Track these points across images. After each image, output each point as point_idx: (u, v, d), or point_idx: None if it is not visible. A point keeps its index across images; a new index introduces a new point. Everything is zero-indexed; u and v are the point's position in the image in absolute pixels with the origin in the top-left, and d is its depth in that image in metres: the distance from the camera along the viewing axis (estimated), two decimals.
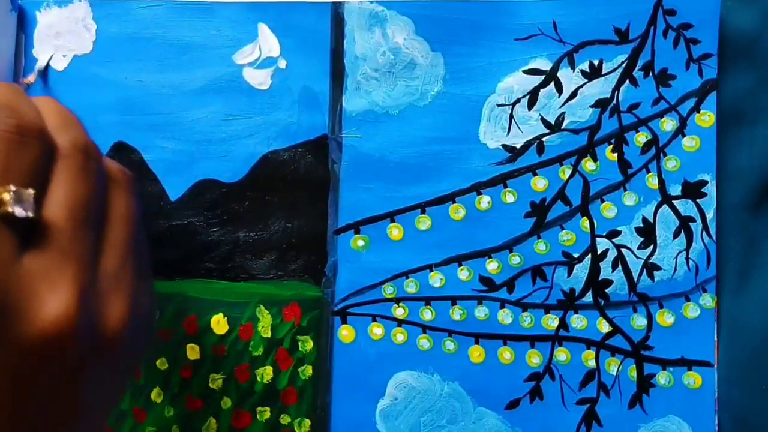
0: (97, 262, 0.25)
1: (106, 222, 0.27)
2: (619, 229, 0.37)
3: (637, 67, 0.37)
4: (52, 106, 0.27)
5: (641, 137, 0.37)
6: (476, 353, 0.37)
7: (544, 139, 0.37)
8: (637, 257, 0.37)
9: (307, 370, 0.37)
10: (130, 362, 0.28)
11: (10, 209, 0.22)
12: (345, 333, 0.37)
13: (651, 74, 0.37)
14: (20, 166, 0.23)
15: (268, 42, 0.38)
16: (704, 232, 0.36)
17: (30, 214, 0.23)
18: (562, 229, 0.37)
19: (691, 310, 0.36)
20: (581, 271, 0.37)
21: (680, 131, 0.37)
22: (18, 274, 0.22)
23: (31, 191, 0.23)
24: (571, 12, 0.37)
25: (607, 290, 0.37)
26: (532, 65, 0.37)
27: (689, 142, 0.37)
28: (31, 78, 0.36)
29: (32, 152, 0.24)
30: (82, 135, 0.27)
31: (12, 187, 0.22)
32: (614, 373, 0.37)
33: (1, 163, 0.23)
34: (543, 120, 0.37)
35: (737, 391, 0.36)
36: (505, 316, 0.37)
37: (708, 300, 0.36)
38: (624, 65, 0.37)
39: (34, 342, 0.22)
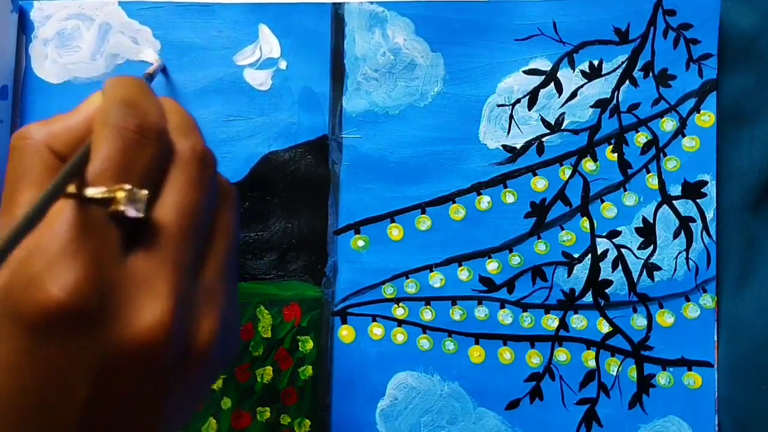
0: (197, 273, 0.25)
1: (212, 233, 0.26)
2: (619, 229, 0.37)
3: (637, 68, 0.37)
4: (175, 108, 0.26)
5: (641, 137, 0.37)
6: (476, 353, 0.37)
7: (544, 139, 0.37)
8: (637, 257, 0.37)
9: (308, 371, 0.37)
10: (214, 374, 0.27)
11: (122, 208, 0.22)
12: (345, 333, 0.37)
13: (651, 74, 0.37)
14: (137, 165, 0.23)
15: (268, 43, 0.38)
16: (704, 233, 0.36)
17: (141, 215, 0.22)
18: (562, 229, 0.37)
19: (691, 311, 0.36)
20: (581, 271, 0.37)
21: (680, 131, 0.37)
22: (120, 274, 0.22)
23: (145, 192, 0.22)
24: (571, 12, 0.37)
25: (607, 290, 0.37)
26: (532, 65, 0.37)
27: (689, 143, 0.37)
28: (152, 69, 0.36)
29: (150, 152, 0.23)
30: (201, 142, 0.26)
31: (127, 187, 0.22)
32: (614, 374, 0.37)
33: (119, 161, 0.23)
34: (543, 120, 0.37)
35: (737, 392, 0.36)
36: (505, 316, 0.37)
37: (708, 300, 0.36)
38: (624, 65, 0.37)
39: (125, 346, 0.22)
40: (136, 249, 0.23)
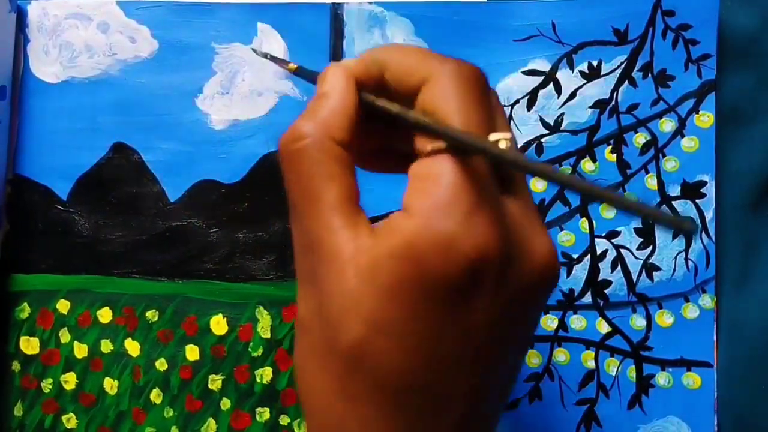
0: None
1: None
2: (618, 229, 0.37)
3: (636, 68, 0.37)
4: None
5: (640, 138, 0.37)
6: None
7: (543, 139, 0.37)
8: (637, 258, 0.37)
9: None
10: None
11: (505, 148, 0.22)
12: None
13: (650, 75, 0.37)
14: (490, 111, 0.24)
15: (267, 43, 0.38)
16: (703, 233, 0.37)
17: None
18: (562, 229, 0.37)
19: (691, 311, 0.36)
20: (580, 271, 0.37)
21: (679, 132, 0.37)
22: (507, 218, 0.22)
23: (510, 135, 0.23)
24: (570, 13, 0.37)
25: (606, 291, 0.37)
26: (531, 66, 0.37)
27: (688, 143, 0.37)
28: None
29: (491, 96, 0.24)
30: None
31: (507, 135, 0.22)
32: (613, 374, 0.37)
33: (480, 110, 0.23)
34: (542, 121, 0.37)
35: (737, 392, 0.36)
36: None
37: (707, 300, 0.36)
38: (623, 66, 0.37)
39: (526, 282, 0.22)
40: (505, 192, 0.23)
